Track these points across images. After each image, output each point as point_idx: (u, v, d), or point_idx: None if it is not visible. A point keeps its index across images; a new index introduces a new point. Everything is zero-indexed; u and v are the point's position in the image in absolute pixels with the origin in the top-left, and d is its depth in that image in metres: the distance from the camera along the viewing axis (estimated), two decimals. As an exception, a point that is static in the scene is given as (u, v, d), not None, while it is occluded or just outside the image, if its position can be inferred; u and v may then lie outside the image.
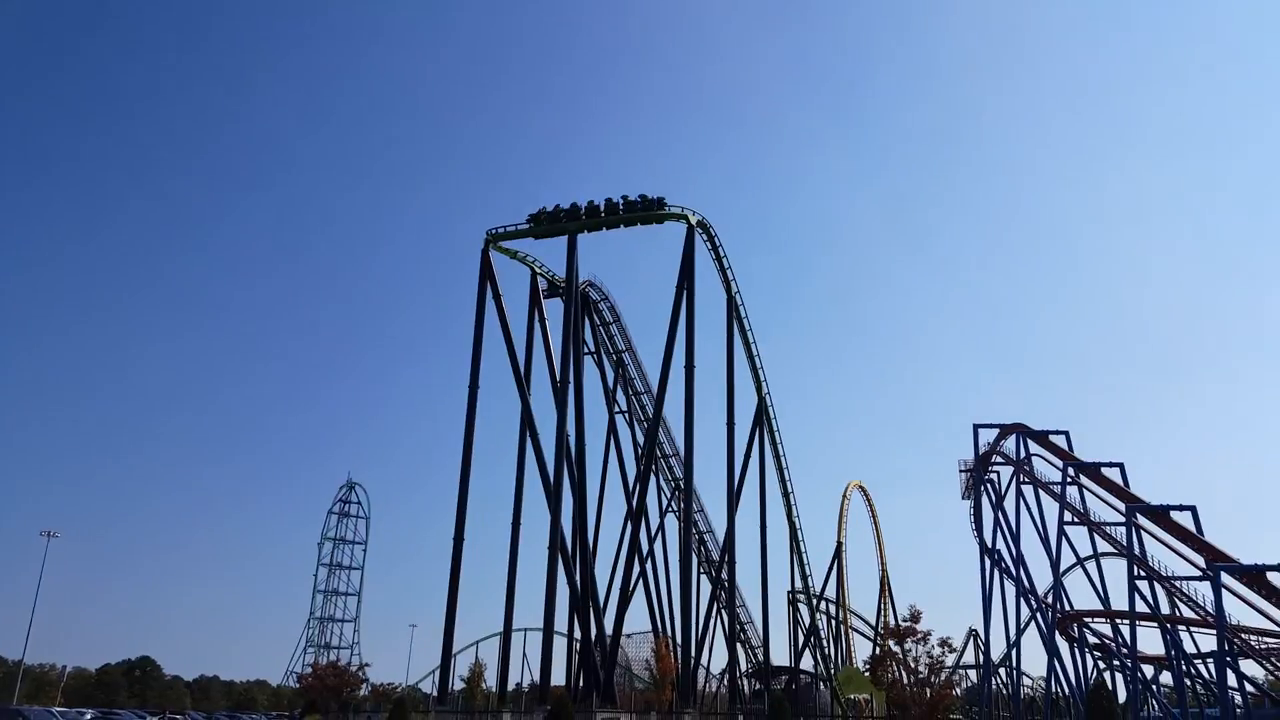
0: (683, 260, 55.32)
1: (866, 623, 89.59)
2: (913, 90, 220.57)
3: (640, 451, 61.52)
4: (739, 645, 75.84)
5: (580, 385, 58.53)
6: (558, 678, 56.80)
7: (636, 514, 56.97)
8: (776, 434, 65.11)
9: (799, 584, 71.10)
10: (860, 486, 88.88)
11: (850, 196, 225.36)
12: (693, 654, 60.70)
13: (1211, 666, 54.51)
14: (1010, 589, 73.50)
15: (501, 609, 53.28)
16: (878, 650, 57.93)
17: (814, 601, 75.19)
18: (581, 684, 53.56)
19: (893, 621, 55.01)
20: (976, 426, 77.68)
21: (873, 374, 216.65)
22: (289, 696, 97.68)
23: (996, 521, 74.49)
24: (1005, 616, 74.69)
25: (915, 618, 34.50)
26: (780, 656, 77.41)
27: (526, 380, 58.22)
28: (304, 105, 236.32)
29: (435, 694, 58.72)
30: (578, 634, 56.33)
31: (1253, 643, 51.20)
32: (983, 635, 79.23)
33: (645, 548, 62.68)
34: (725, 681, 62.71)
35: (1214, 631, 51.14)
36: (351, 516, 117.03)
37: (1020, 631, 75.67)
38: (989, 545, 75.95)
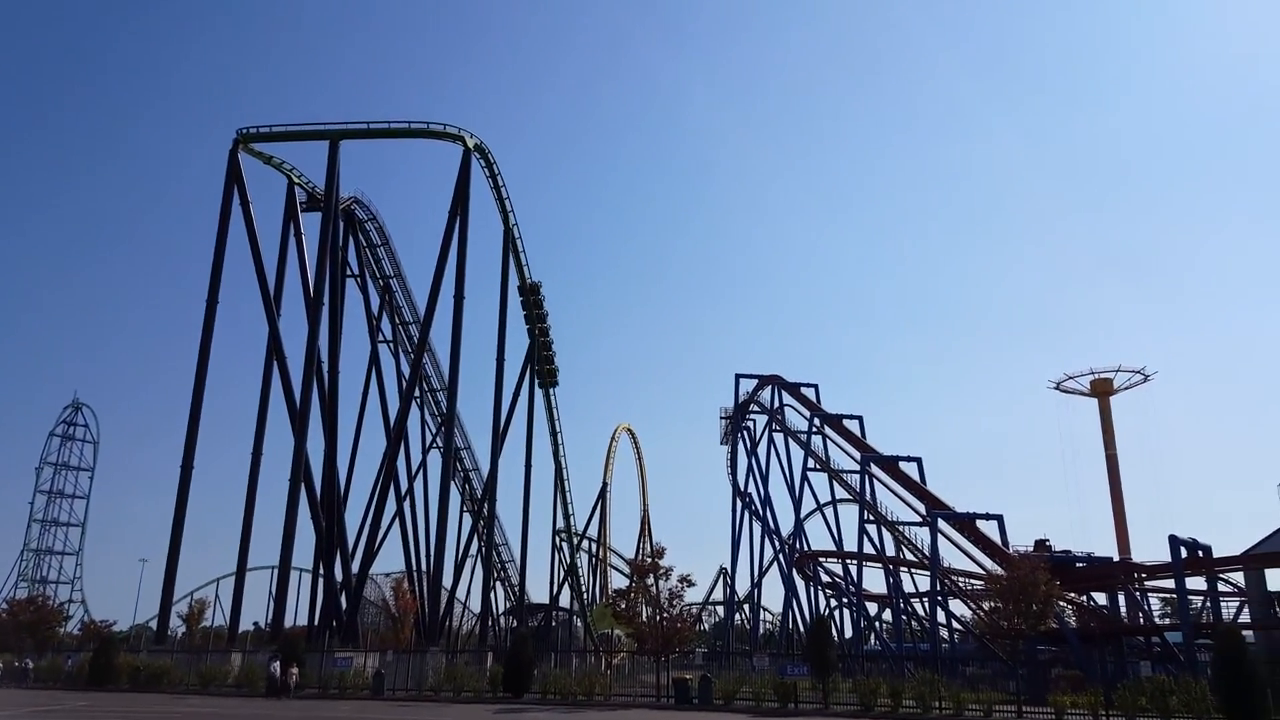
0: (457, 184, 52.51)
1: (627, 561, 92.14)
2: (679, 46, 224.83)
3: (404, 384, 58.49)
4: (500, 584, 75.65)
5: (339, 308, 54.44)
6: (305, 618, 53.70)
7: (394, 448, 54.21)
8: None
9: (562, 523, 71.45)
10: (629, 429, 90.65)
11: (635, 147, 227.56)
12: (444, 591, 59.42)
13: (926, 605, 60.24)
14: (758, 530, 78.30)
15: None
16: (620, 585, 59.16)
17: (576, 540, 76.04)
18: (320, 623, 50.67)
19: (658, 564, 56.34)
20: (738, 376, 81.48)
21: (647, 322, 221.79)
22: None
23: (750, 467, 78.75)
24: (752, 556, 79.66)
25: (658, 554, 35.10)
26: (543, 594, 78.01)
27: (277, 300, 53.20)
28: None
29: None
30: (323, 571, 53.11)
31: (961, 584, 57.05)
32: (730, 573, 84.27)
33: (405, 485, 60.23)
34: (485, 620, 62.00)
35: (929, 573, 56.77)
36: (77, 440, 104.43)
37: (764, 571, 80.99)
38: (741, 489, 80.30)
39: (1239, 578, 52.34)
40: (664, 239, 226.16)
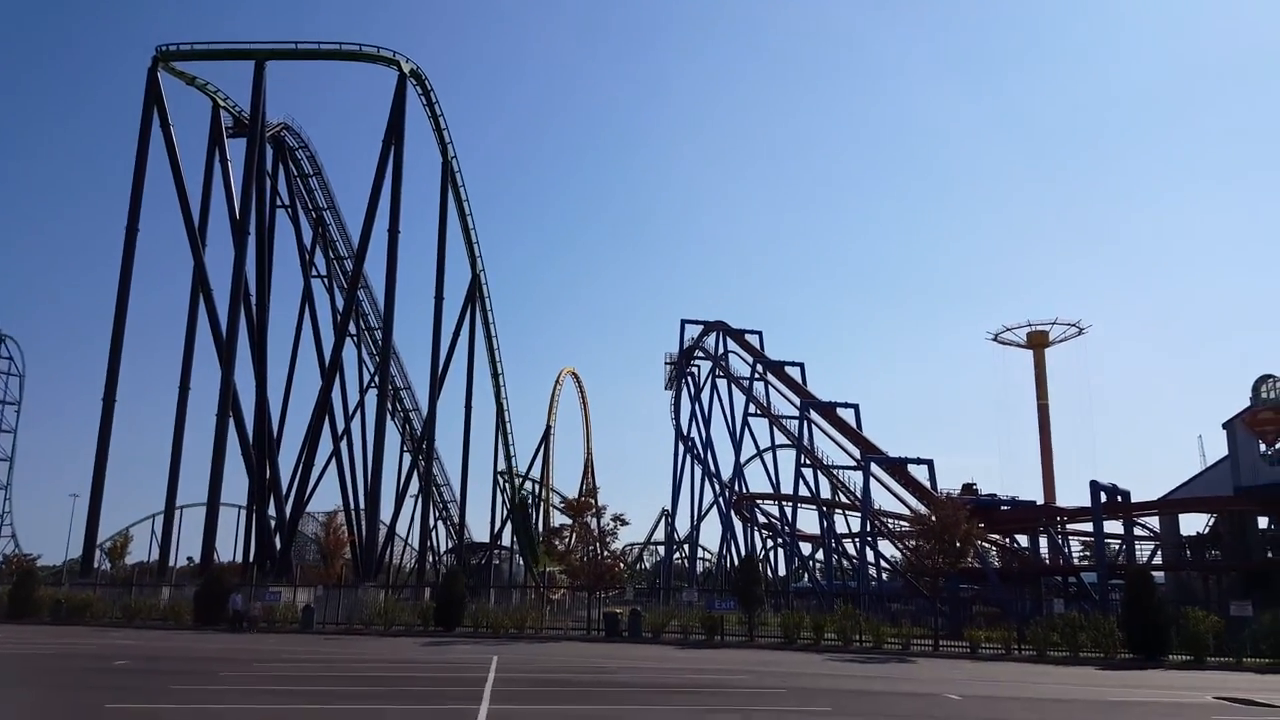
0: (391, 111, 50.85)
1: (566, 501, 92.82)
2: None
3: (339, 320, 57.20)
4: (442, 522, 75.67)
5: (267, 238, 52.86)
6: (243, 556, 53.04)
7: (328, 384, 53.16)
8: (489, 312, 63.50)
9: (504, 464, 71.33)
10: (573, 373, 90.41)
11: (582, 90, 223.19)
12: (382, 529, 59.17)
13: (857, 545, 61.88)
14: (699, 473, 79.46)
15: (181, 481, 48.49)
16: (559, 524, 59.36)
17: (518, 481, 76.18)
18: (254, 559, 50.17)
19: (592, 503, 56.77)
20: (683, 322, 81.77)
21: (593, 266, 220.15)
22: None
23: (693, 412, 79.49)
24: (693, 498, 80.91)
25: (592, 493, 35.35)
26: (487, 534, 78.15)
27: (203, 231, 51.35)
28: None
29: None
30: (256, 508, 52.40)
31: (890, 525, 58.63)
32: (671, 514, 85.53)
33: (342, 424, 59.38)
34: (424, 555, 62.03)
35: (861, 514, 58.21)
36: (0, 374, 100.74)
37: (704, 513, 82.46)
38: (684, 433, 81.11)
39: (1156, 523, 54.64)
40: (610, 183, 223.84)
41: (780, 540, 73.97)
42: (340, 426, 58.86)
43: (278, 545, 50.95)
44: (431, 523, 74.99)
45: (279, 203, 58.77)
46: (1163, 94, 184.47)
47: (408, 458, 65.52)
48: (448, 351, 58.38)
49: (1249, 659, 27.11)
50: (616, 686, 17.35)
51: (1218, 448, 52.79)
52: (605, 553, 34.86)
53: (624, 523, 35.21)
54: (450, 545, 75.10)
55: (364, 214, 49.81)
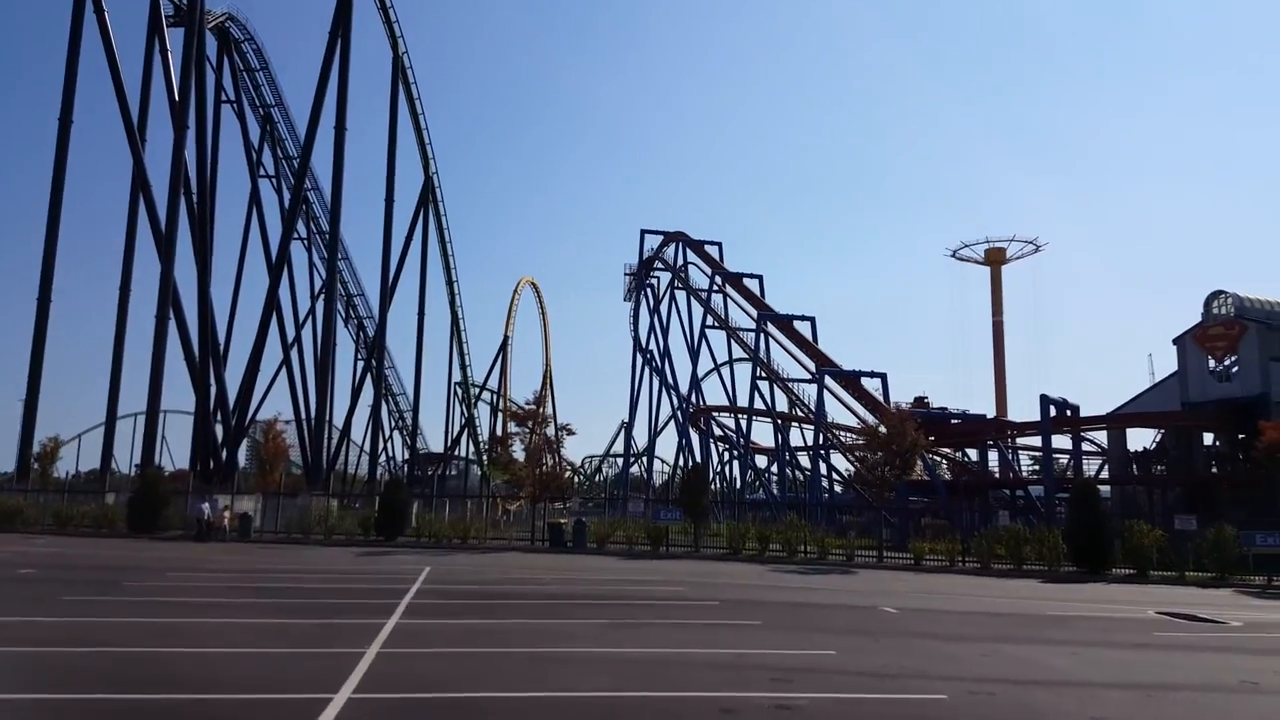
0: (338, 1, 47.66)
1: (511, 410, 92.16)
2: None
3: (286, 221, 54.66)
4: (398, 433, 74.87)
5: (209, 132, 49.84)
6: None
7: (274, 285, 50.97)
8: (444, 217, 61.37)
9: (460, 374, 70.20)
10: (532, 283, 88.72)
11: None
12: (330, 438, 58.14)
13: (811, 457, 62.15)
14: (658, 385, 79.08)
15: (125, 387, 46.68)
16: (502, 431, 58.46)
17: (475, 392, 75.24)
18: (198, 467, 48.93)
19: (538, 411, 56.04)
20: (643, 232, 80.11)
21: (554, 172, 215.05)
22: None
23: (652, 324, 78.56)
24: (651, 410, 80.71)
25: (539, 401, 34.40)
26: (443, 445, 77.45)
27: (142, 126, 48.23)
28: None
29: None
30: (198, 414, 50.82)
31: (843, 438, 58.82)
32: (629, 426, 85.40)
33: (292, 332, 57.60)
34: (375, 465, 61.33)
35: (815, 427, 58.23)
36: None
37: (663, 426, 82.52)
38: (643, 344, 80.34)
39: (1104, 439, 55.28)
40: (570, 89, 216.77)
41: (736, 453, 74.32)
42: (291, 334, 57.23)
43: (222, 452, 49.71)
44: (387, 433, 74.45)
45: (224, 98, 55.66)
46: (1119, 13, 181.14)
47: (362, 366, 64.11)
48: (399, 257, 56.67)
49: (1191, 573, 27.31)
50: (541, 599, 16.67)
51: (1168, 365, 53.21)
52: (553, 461, 34.16)
53: (570, 432, 34.59)
54: (405, 456, 74.54)
55: (310, 108, 47.18)
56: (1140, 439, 54.02)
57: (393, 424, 73.60)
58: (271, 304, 50.50)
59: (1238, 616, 17.79)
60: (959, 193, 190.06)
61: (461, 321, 66.37)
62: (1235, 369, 46.33)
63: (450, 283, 64.83)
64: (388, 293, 54.38)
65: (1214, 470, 48.60)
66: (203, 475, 46.30)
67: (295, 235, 56.96)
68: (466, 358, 68.61)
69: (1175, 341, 49.30)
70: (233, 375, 51.96)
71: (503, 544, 32.93)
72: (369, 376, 61.19)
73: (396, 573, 20.64)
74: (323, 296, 59.20)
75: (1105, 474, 52.72)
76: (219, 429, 50.08)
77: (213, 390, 49.08)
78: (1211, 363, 47.45)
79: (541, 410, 34.29)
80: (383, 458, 71.31)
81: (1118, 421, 51.14)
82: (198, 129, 47.51)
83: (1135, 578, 27.12)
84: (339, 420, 62.17)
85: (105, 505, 37.64)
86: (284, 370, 56.17)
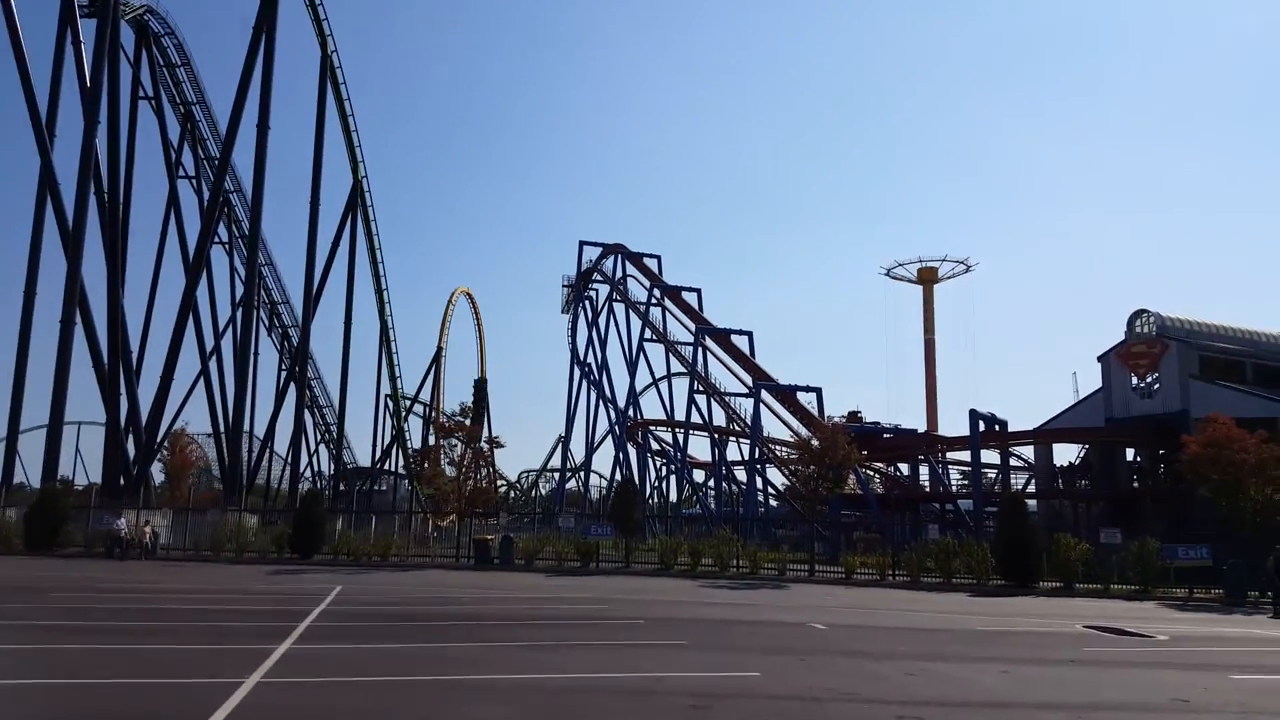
0: (264, -8, 46.11)
1: (438, 423, 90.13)
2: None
3: (205, 222, 52.40)
4: (324, 446, 72.39)
5: (124, 131, 47.59)
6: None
7: (190, 290, 48.67)
8: (373, 223, 59.68)
9: (390, 386, 68.29)
10: (467, 293, 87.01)
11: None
12: (250, 451, 55.90)
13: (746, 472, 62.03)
14: (595, 398, 78.29)
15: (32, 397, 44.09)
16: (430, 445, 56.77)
17: (407, 404, 73.32)
18: (107, 482, 46.37)
19: (487, 429, 54.64)
20: (582, 243, 79.50)
21: (491, 181, 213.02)
22: None
23: (590, 337, 77.87)
24: (589, 424, 79.87)
25: (465, 413, 33.31)
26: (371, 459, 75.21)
27: (51, 122, 45.68)
28: None
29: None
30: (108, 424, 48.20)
31: (779, 452, 58.80)
32: (566, 441, 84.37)
33: (211, 341, 55.21)
34: (296, 479, 59.07)
35: (751, 441, 58.11)
36: None
37: (600, 440, 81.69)
38: (581, 357, 79.54)
39: (1031, 454, 56.29)
40: (509, 98, 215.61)
41: (673, 467, 73.90)
42: (210, 343, 54.86)
43: (130, 463, 47.17)
44: (313, 446, 71.99)
45: (142, 94, 53.21)
46: (1054, 38, 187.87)
47: (285, 376, 61.85)
48: (325, 263, 54.91)
49: (1116, 585, 27.58)
50: (454, 620, 15.72)
51: (1092, 382, 54.46)
52: (480, 475, 33.06)
53: (499, 445, 33.59)
54: (332, 470, 72.12)
55: (231, 106, 45.43)
56: (1066, 454, 55.19)
57: (319, 437, 71.32)
58: (188, 309, 48.27)
59: (1163, 630, 17.75)
60: (895, 212, 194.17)
61: (391, 331, 64.61)
62: (1157, 386, 47.52)
63: (379, 291, 63.02)
64: (312, 300, 52.62)
65: (1136, 485, 49.71)
66: (111, 490, 43.91)
67: (216, 239, 54.87)
68: (397, 369, 66.77)
69: (1100, 359, 50.42)
70: (149, 385, 49.63)
71: (425, 561, 31.66)
72: (292, 387, 59.02)
73: (303, 593, 19.40)
74: (242, 302, 57.19)
75: (1032, 488, 53.61)
76: (131, 442, 47.69)
77: (124, 401, 46.69)
78: (1134, 380, 48.61)
79: (472, 423, 33.15)
80: (308, 472, 69.04)
81: (1044, 437, 52.07)
82: (111, 124, 45.31)
83: (1062, 591, 27.26)
84: (261, 433, 60.08)
85: (3, 521, 35.24)
86: (203, 380, 53.87)
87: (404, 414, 72.28)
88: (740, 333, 61.70)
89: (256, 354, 58.57)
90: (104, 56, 44.00)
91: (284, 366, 63.88)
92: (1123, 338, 49.51)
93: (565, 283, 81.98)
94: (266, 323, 64.47)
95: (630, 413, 73.17)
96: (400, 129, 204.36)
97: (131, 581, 21.40)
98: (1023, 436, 52.79)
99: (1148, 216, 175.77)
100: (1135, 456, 51.26)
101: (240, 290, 57.91)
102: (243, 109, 45.90)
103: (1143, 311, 49.30)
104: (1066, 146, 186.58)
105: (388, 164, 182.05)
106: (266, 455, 63.35)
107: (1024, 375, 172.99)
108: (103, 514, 34.99)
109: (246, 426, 55.11)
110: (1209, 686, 11.26)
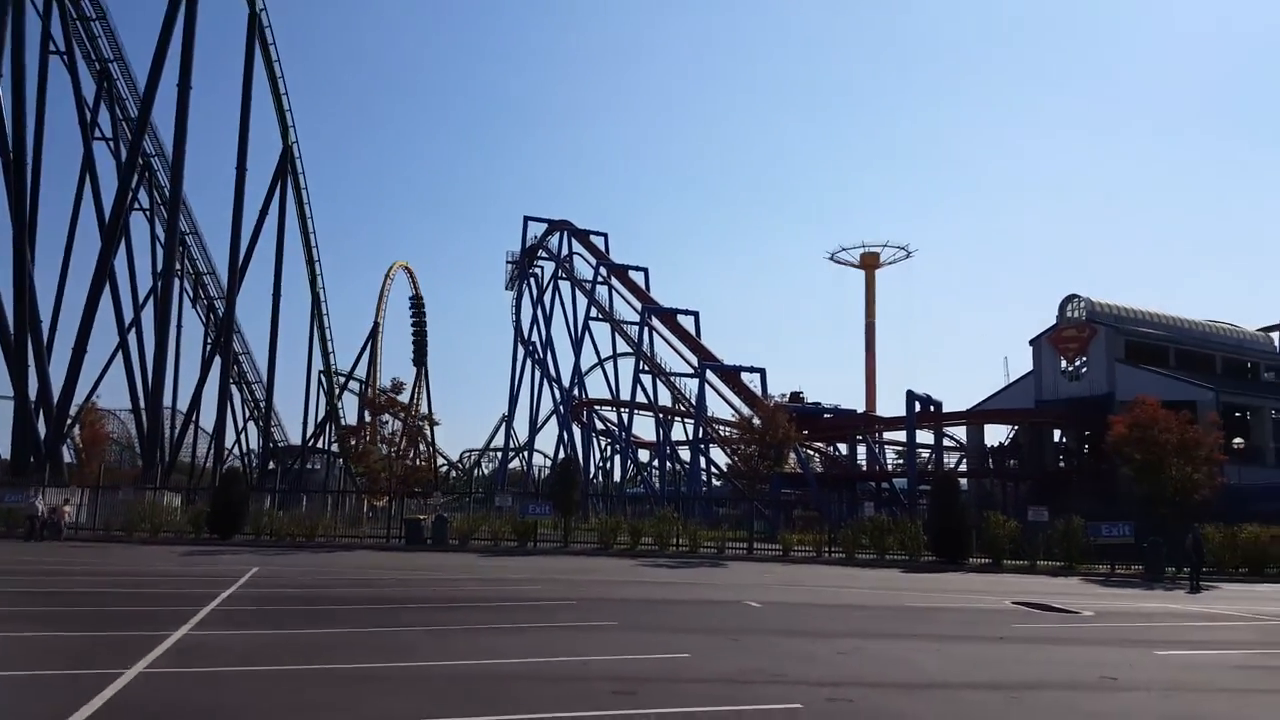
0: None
1: (365, 398, 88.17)
2: None
3: (121, 186, 49.81)
4: (253, 424, 70.14)
5: (31, 87, 44.92)
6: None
7: (104, 260, 46.31)
8: (304, 190, 57.60)
9: (323, 362, 66.37)
10: (406, 267, 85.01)
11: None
12: (172, 428, 53.85)
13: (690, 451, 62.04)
14: (539, 377, 77.38)
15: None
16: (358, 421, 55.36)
17: (341, 381, 71.43)
18: (15, 459, 44.10)
19: (425, 405, 53.47)
20: (527, 219, 78.20)
21: (429, 151, 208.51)
22: None
23: (535, 315, 76.80)
24: (532, 403, 78.94)
25: (397, 389, 32.30)
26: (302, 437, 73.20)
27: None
28: None
29: None
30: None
31: (722, 431, 58.85)
32: (509, 420, 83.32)
33: (130, 313, 52.73)
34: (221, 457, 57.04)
35: (695, 421, 58.05)
36: None
37: (544, 419, 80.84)
38: (525, 335, 78.45)
39: (964, 435, 57.34)
40: (452, 64, 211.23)
41: (617, 447, 73.53)
42: (129, 315, 52.41)
43: (41, 440, 44.90)
44: (240, 423, 69.69)
45: (52, 48, 50.15)
46: (990, 30, 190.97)
47: (210, 349, 59.52)
48: (253, 231, 52.51)
49: (1042, 561, 28.07)
50: (376, 604, 15.02)
51: (1023, 366, 55.61)
52: (417, 454, 32.15)
53: (435, 422, 32.77)
54: (260, 448, 69.95)
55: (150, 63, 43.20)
56: (997, 434, 56.35)
57: (247, 414, 69.09)
58: (103, 277, 45.93)
59: (1088, 605, 17.94)
60: (839, 197, 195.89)
61: (324, 304, 62.65)
62: (1085, 369, 48.63)
63: (311, 262, 60.91)
64: (238, 270, 50.59)
65: (1063, 464, 50.96)
66: (19, 468, 41.73)
67: (136, 206, 52.34)
68: (330, 344, 64.92)
69: (1031, 343, 51.41)
70: (61, 359, 47.21)
71: (354, 542, 30.69)
72: (209, 357, 56.76)
73: (215, 575, 18.42)
74: (175, 274, 54.77)
75: (964, 467, 54.62)
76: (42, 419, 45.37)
77: (33, 375, 44.34)
78: (1063, 363, 49.68)
79: (405, 399, 32.17)
80: (236, 450, 66.89)
81: (976, 418, 53.00)
82: (15, 79, 42.65)
83: (991, 567, 27.64)
84: (184, 408, 57.78)
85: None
86: (121, 354, 51.51)
87: (339, 391, 70.49)
88: (686, 313, 61.49)
89: (180, 326, 56.44)
90: (7, 7, 41.30)
91: (209, 340, 61.56)
92: (1054, 323, 50.52)
93: (509, 259, 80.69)
94: (191, 294, 61.95)
95: (575, 392, 72.52)
96: (337, 98, 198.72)
97: (31, 564, 20.15)
98: (956, 417, 53.68)
99: (1080, 205, 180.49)
100: (1062, 437, 52.54)
101: (161, 259, 55.60)
102: (162, 67, 43.78)
103: (1074, 297, 50.34)
104: (1006, 137, 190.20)
105: (323, 135, 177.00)
106: (192, 433, 61.17)
107: (960, 358, 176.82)
108: (23, 493, 33.10)
109: (169, 402, 53.09)
110: (1135, 663, 11.24)
